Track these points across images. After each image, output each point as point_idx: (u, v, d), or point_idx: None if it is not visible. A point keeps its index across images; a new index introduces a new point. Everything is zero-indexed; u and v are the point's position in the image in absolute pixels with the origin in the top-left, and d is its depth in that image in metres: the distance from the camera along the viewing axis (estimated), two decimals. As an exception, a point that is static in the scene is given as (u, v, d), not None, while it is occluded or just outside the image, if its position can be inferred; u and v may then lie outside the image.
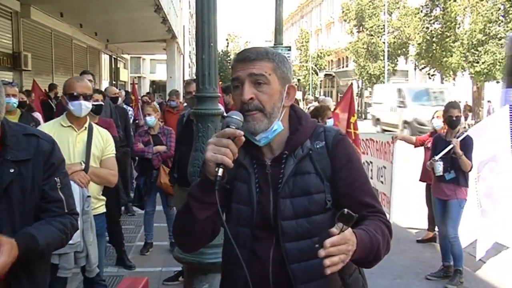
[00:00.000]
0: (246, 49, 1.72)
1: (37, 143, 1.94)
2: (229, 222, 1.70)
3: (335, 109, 6.80)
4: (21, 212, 1.86)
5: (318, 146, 1.69)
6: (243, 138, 1.53)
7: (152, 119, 5.86)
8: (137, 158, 6.27)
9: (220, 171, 1.49)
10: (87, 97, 3.43)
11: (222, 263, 1.83)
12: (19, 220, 1.86)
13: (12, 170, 1.84)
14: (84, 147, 3.39)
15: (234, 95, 1.68)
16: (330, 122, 5.45)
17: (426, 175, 6.11)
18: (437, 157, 5.11)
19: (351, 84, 8.45)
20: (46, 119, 5.85)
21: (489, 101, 28.01)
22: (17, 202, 1.85)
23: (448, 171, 5.10)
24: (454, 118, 5.15)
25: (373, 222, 1.62)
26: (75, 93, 3.37)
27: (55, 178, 1.95)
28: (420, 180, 6.46)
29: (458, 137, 5.06)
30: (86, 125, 3.47)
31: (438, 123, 6.17)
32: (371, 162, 6.80)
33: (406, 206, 7.67)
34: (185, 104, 7.09)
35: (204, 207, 1.59)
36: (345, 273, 1.71)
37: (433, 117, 6.36)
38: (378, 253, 1.57)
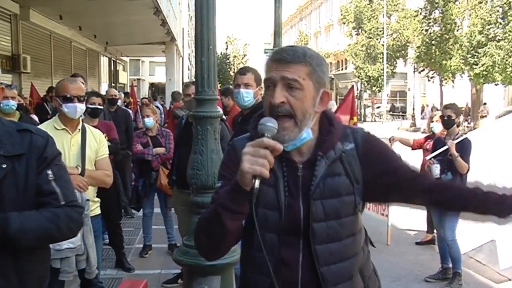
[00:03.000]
0: (284, 49, 1.64)
1: (31, 138, 1.89)
2: (255, 228, 1.62)
3: (336, 111, 6.86)
4: (14, 209, 1.78)
5: (348, 148, 1.68)
6: (282, 149, 1.48)
7: (150, 121, 5.87)
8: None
9: (257, 183, 1.43)
10: (80, 99, 3.42)
11: (242, 270, 1.78)
12: None
13: (4, 166, 1.79)
14: (79, 149, 3.38)
15: (264, 94, 1.65)
16: None
17: (425, 177, 6.11)
18: (428, 157, 5.21)
19: (352, 86, 8.47)
20: (40, 122, 5.86)
21: (484, 103, 28.02)
22: (10, 198, 1.79)
23: (445, 173, 5.11)
24: (446, 118, 5.28)
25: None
26: (68, 95, 3.36)
27: (47, 171, 1.89)
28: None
29: (457, 139, 5.10)
30: (80, 127, 3.46)
31: (437, 126, 6.21)
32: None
33: (405, 208, 7.65)
34: None
35: (236, 217, 1.55)
36: (365, 274, 1.75)
37: (432, 120, 6.46)
38: None
